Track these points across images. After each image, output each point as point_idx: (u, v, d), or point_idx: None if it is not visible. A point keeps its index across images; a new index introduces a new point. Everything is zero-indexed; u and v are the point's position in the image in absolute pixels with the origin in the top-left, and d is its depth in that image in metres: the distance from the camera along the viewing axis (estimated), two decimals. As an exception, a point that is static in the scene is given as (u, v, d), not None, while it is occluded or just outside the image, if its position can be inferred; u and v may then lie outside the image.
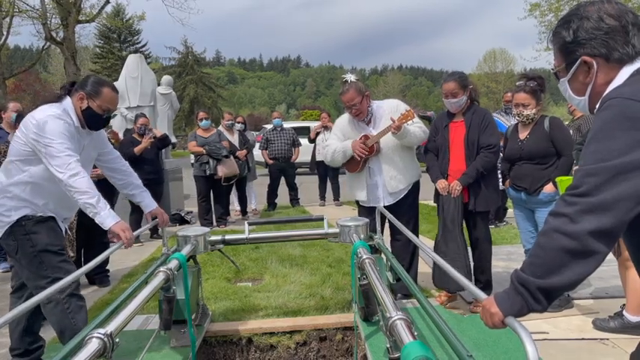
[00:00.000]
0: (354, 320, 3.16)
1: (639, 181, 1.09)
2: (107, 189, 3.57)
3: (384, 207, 3.48)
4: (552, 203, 3.32)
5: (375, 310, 2.91)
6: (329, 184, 9.07)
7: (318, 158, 8.67)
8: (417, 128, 3.58)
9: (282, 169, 8.50)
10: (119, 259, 5.12)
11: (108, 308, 2.13)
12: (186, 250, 2.85)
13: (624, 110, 1.12)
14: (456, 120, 3.57)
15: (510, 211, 6.25)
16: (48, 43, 21.45)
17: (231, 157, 7.05)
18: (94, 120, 2.67)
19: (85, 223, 4.20)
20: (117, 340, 1.58)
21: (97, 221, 2.49)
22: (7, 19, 19.38)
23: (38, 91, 30.68)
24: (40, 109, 2.56)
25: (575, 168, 3.26)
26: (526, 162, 3.48)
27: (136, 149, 6.10)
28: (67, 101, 2.63)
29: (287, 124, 10.32)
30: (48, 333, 3.03)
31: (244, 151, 7.56)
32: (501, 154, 3.79)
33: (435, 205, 3.72)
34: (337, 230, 3.15)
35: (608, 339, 3.00)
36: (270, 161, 8.48)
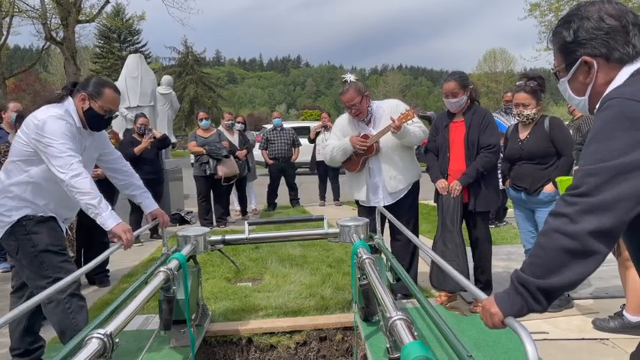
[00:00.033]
0: (354, 320, 3.16)
1: (639, 181, 1.09)
2: (107, 189, 3.57)
3: (384, 207, 3.48)
4: (552, 203, 3.32)
5: (375, 310, 2.91)
6: (329, 184, 9.07)
7: (318, 158, 8.67)
8: (416, 128, 3.58)
9: (282, 169, 8.50)
10: (119, 259, 5.12)
11: (108, 308, 2.13)
12: (186, 250, 2.85)
13: (624, 110, 1.12)
14: (456, 120, 3.57)
15: (510, 211, 6.25)
16: (48, 43, 21.45)
17: (231, 157, 7.05)
18: (95, 121, 2.67)
19: (85, 223, 4.20)
20: (117, 340, 1.58)
21: (98, 222, 2.49)
22: (7, 19, 19.37)
23: (38, 91, 30.70)
24: (42, 109, 2.56)
25: (575, 168, 3.26)
26: (526, 162, 3.47)
27: (136, 149, 6.10)
28: (69, 101, 2.63)
29: (287, 124, 10.32)
30: (48, 333, 3.03)
31: (244, 151, 7.56)
32: (501, 154, 3.79)
33: (435, 205, 3.72)
34: (337, 230, 3.15)
35: (608, 339, 3.00)
36: (270, 161, 8.48)
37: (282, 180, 8.56)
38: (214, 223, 7.16)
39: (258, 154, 8.87)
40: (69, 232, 3.78)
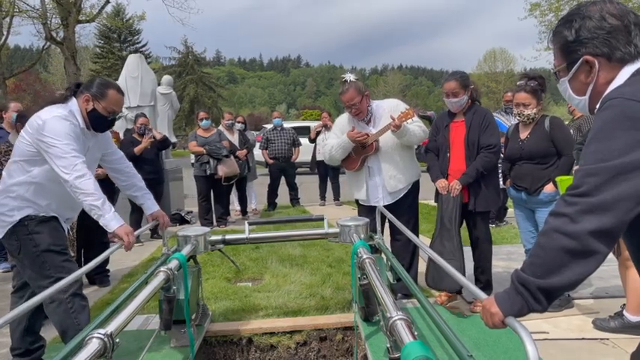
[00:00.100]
0: (355, 320, 3.16)
1: (639, 181, 1.09)
2: (108, 188, 3.58)
3: (384, 206, 3.48)
4: (553, 203, 3.31)
5: (376, 310, 2.91)
6: (329, 184, 9.07)
7: (319, 158, 8.67)
8: (416, 127, 3.58)
9: (283, 168, 8.50)
10: (119, 259, 5.11)
11: (108, 308, 2.13)
12: (186, 250, 2.85)
13: (625, 110, 1.12)
14: (456, 120, 3.57)
15: (511, 211, 6.25)
16: (48, 43, 21.43)
17: (232, 157, 7.06)
18: (99, 122, 2.67)
19: (85, 223, 4.20)
20: (117, 340, 1.58)
21: (101, 223, 2.49)
22: (7, 19, 19.36)
23: (38, 91, 30.71)
24: (46, 109, 2.56)
25: (575, 168, 3.26)
26: (526, 162, 3.47)
27: (136, 149, 6.11)
28: (73, 102, 2.63)
29: (287, 124, 10.32)
30: (49, 333, 3.03)
31: (244, 151, 7.56)
32: (502, 154, 3.78)
33: (436, 204, 3.71)
34: (337, 230, 3.15)
35: (608, 339, 3.00)
36: (271, 161, 8.49)
37: (283, 180, 8.56)
38: (214, 223, 7.16)
39: (258, 153, 8.88)
40: (69, 232, 3.78)
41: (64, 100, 2.64)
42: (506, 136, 3.72)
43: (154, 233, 6.44)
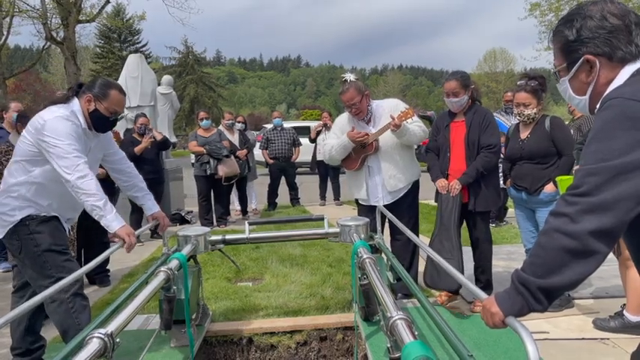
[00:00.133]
0: (355, 320, 3.16)
1: (639, 181, 1.09)
2: (109, 188, 3.58)
3: (384, 206, 3.48)
4: (553, 203, 3.32)
5: (376, 309, 2.91)
6: (329, 184, 9.07)
7: (319, 158, 8.67)
8: (416, 127, 3.58)
9: (283, 168, 8.51)
10: (119, 259, 5.11)
11: (108, 308, 2.13)
12: (186, 249, 2.85)
13: (625, 110, 1.13)
14: (457, 120, 3.57)
15: (511, 211, 6.24)
16: (48, 43, 21.42)
17: (232, 157, 7.06)
18: (101, 122, 2.67)
19: (85, 223, 4.20)
20: (117, 340, 1.58)
21: (102, 224, 2.49)
22: (8, 19, 19.36)
23: (38, 91, 30.69)
24: (48, 109, 2.56)
25: (575, 168, 3.26)
26: (527, 161, 3.48)
27: (136, 149, 6.11)
28: (75, 102, 2.63)
29: (287, 124, 10.33)
30: (49, 332, 3.03)
31: (245, 151, 7.56)
32: (502, 154, 3.78)
33: (436, 204, 3.71)
34: (337, 230, 3.15)
35: (608, 339, 3.00)
36: (271, 161, 8.49)
37: (283, 180, 8.56)
38: (215, 223, 7.16)
39: (258, 153, 8.88)
40: (70, 231, 3.78)
41: (66, 100, 2.64)
42: (507, 136, 3.72)
43: (154, 233, 6.44)
